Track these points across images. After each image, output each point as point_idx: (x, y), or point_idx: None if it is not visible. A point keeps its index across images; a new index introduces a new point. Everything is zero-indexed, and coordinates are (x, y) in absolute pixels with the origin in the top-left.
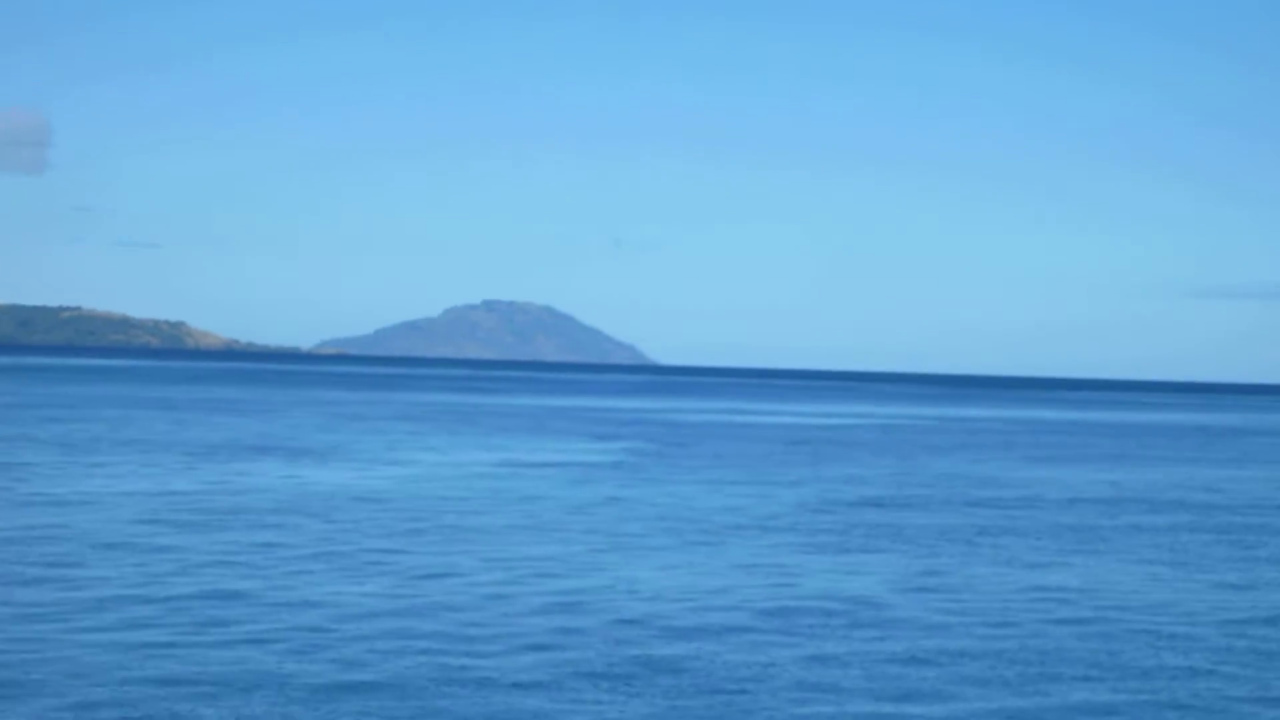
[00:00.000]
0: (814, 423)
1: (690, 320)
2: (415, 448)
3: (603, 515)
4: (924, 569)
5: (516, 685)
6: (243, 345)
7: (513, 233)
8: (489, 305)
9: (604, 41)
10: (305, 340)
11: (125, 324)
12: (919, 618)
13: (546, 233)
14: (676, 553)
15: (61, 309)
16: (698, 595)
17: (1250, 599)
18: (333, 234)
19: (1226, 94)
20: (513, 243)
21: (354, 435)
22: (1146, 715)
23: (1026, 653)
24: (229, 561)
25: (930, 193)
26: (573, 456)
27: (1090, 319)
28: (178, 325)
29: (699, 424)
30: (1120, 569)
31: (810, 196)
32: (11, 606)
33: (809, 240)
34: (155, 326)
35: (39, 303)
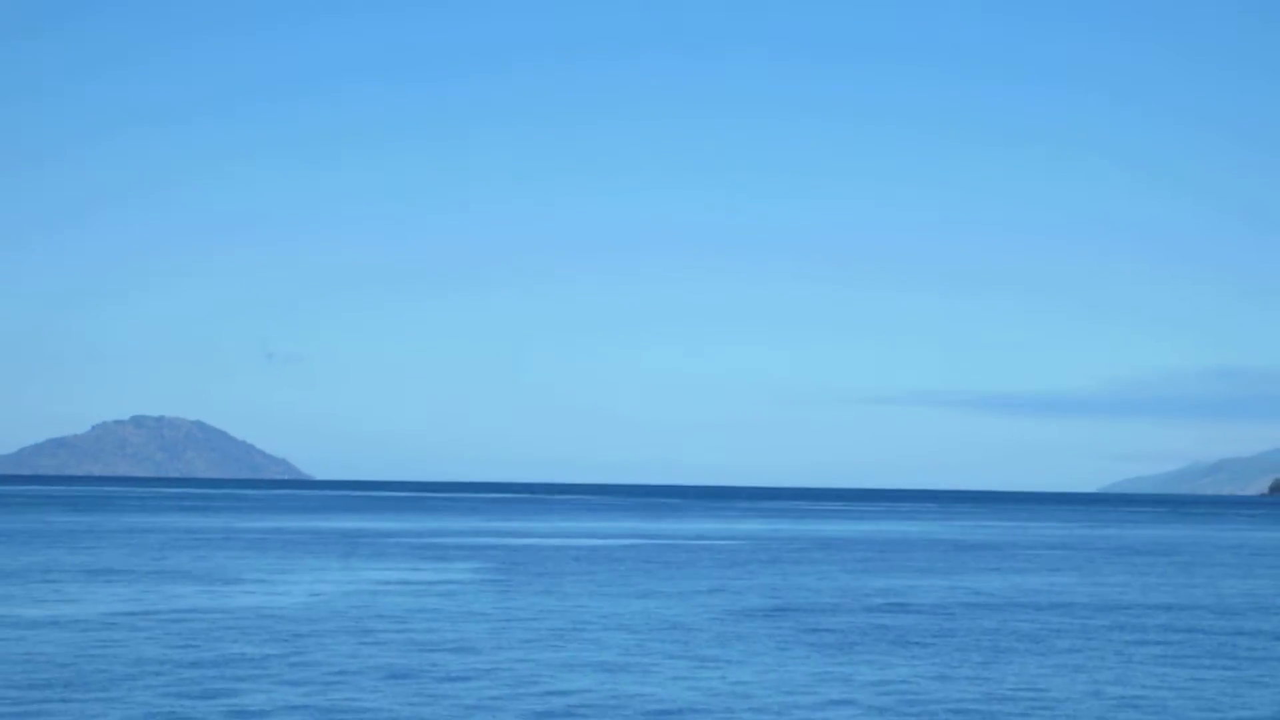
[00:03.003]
0: (589, 542)
1: (342, 434)
2: (267, 570)
3: (572, 623)
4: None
5: None
6: None
7: (162, 345)
8: (138, 421)
9: (265, 146)
10: None
11: None
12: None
13: (196, 345)
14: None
15: None
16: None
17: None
18: None
19: (896, 195)
20: (162, 356)
21: (193, 558)
22: None
23: None
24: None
25: (588, 296)
26: (435, 575)
27: (765, 424)
28: None
29: (480, 544)
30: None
31: (464, 307)
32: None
33: (455, 352)
34: None
35: None
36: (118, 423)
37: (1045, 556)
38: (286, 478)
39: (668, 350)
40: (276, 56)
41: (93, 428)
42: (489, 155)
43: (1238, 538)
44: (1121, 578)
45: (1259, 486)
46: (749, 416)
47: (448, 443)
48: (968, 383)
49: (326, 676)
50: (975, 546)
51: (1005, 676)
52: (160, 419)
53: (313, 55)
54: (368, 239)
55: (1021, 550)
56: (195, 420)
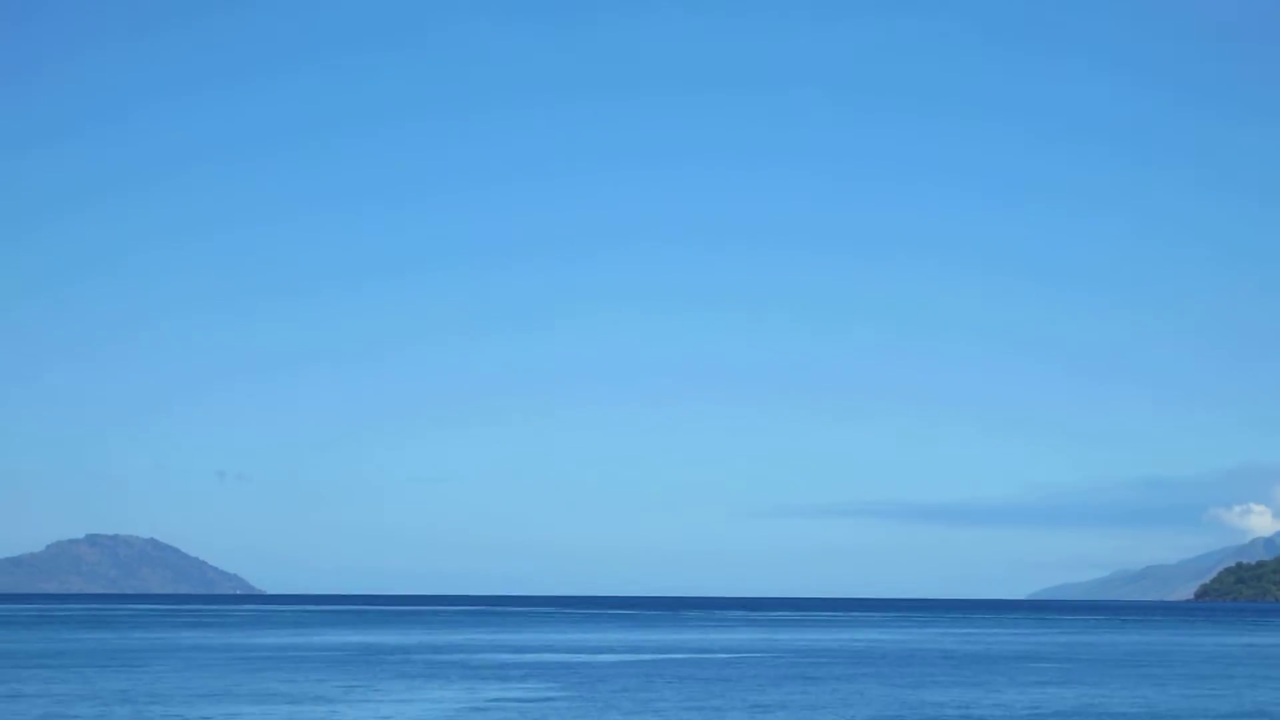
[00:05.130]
0: (614, 658)
1: (288, 548)
2: (351, 690)
3: None
4: None
5: None
6: None
7: (116, 465)
8: (92, 539)
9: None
10: None
11: None
12: None
13: (150, 465)
14: None
15: None
16: None
17: None
18: None
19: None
20: (115, 475)
21: (262, 678)
22: None
23: None
24: None
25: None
26: (523, 693)
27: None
28: None
29: (518, 660)
30: None
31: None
32: None
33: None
34: None
35: None
36: (72, 541)
37: (1053, 669)
38: (241, 592)
39: (577, 465)
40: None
41: (48, 546)
42: (430, 226)
43: (1200, 642)
44: (1144, 689)
45: (1183, 593)
46: (672, 532)
47: (384, 556)
48: (889, 493)
49: None
50: (979, 658)
51: None
52: (115, 537)
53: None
54: (298, 335)
55: (1027, 662)
56: (148, 538)
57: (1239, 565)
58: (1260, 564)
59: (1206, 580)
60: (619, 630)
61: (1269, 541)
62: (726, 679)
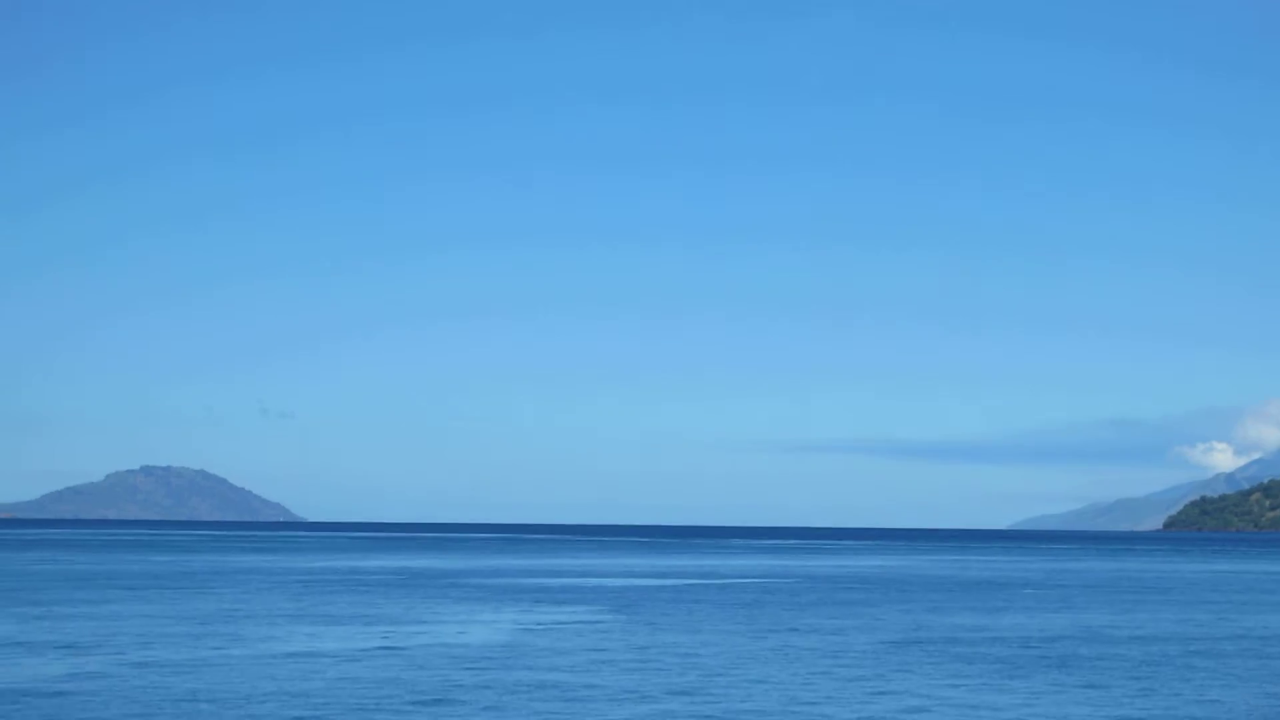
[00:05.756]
0: (644, 583)
1: (328, 479)
2: (425, 611)
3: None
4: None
5: None
6: None
7: (167, 401)
8: (147, 470)
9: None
10: None
11: None
12: None
13: (198, 400)
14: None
15: None
16: None
17: None
18: None
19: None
20: (168, 410)
21: (336, 604)
22: None
23: None
24: None
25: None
26: (572, 616)
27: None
28: None
29: (560, 584)
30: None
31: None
32: None
33: (408, 403)
34: None
35: None
36: (129, 471)
37: (1046, 594)
38: (283, 520)
39: (599, 404)
40: (267, 105)
41: (106, 476)
42: (451, 209)
43: (1175, 569)
44: (1127, 612)
45: (1152, 524)
46: (678, 464)
47: (413, 487)
48: (875, 430)
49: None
50: (977, 584)
51: (1160, 689)
52: (167, 468)
53: (305, 102)
54: (338, 295)
55: (1020, 588)
56: (199, 469)
57: (1203, 499)
58: (1223, 497)
59: (1173, 512)
60: (639, 556)
61: (1230, 476)
62: (755, 604)
